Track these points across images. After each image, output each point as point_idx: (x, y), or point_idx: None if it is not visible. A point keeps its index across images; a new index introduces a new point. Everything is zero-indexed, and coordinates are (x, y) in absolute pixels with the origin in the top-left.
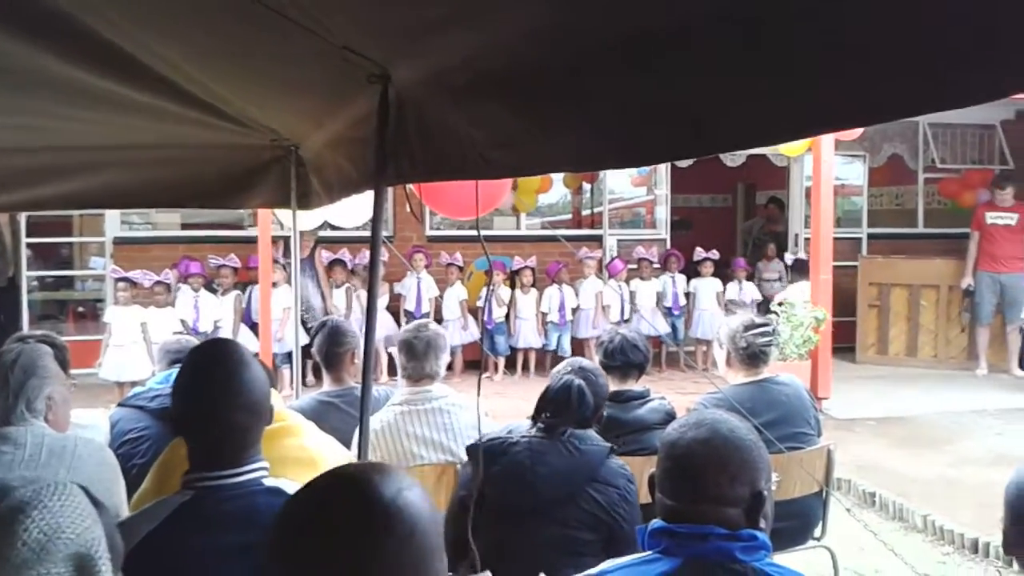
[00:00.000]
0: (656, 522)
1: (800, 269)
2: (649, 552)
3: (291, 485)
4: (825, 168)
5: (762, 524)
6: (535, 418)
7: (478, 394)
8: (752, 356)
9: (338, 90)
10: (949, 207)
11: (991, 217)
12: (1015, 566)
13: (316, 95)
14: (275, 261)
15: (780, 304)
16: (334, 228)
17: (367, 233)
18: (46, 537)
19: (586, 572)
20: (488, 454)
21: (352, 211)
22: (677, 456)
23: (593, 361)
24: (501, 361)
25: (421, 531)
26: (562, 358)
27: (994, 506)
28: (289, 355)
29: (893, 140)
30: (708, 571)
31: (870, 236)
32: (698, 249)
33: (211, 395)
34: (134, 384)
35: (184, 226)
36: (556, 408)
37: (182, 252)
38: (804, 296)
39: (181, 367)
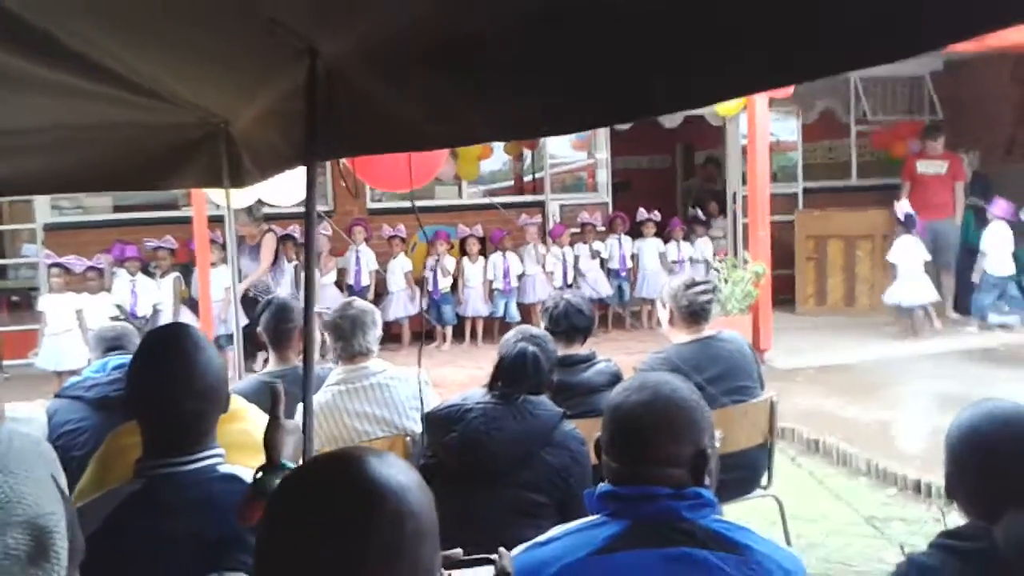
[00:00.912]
0: (603, 486)
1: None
2: (597, 516)
3: (247, 472)
4: (760, 126)
5: (707, 481)
6: (491, 386)
7: (419, 365)
8: (694, 314)
9: (266, 64)
10: (881, 158)
11: (922, 166)
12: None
13: (244, 69)
14: (213, 241)
15: (721, 260)
16: (269, 206)
17: (320, 207)
18: (6, 498)
19: (535, 539)
20: (445, 422)
21: (285, 189)
22: (621, 419)
23: (539, 327)
24: (449, 330)
25: (411, 513)
26: (510, 325)
27: (933, 447)
28: (231, 336)
29: (824, 95)
30: (655, 531)
31: (806, 190)
32: (641, 210)
33: (164, 381)
34: (72, 373)
35: (116, 209)
36: (512, 376)
37: (115, 236)
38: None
39: (135, 352)
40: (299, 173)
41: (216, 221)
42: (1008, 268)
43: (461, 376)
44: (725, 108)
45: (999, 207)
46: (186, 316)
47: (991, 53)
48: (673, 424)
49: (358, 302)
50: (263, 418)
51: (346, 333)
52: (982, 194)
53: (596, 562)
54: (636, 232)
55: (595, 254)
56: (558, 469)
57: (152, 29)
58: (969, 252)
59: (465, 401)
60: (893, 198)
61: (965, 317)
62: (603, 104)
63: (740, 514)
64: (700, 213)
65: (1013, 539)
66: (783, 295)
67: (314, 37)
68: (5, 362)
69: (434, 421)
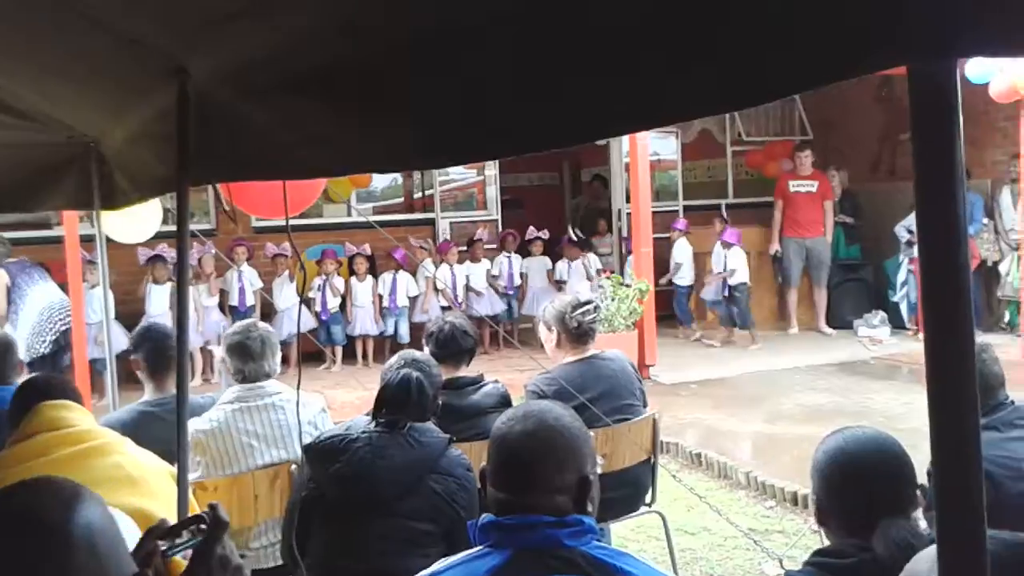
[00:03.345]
0: (485, 516)
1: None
2: (480, 547)
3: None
4: (641, 145)
5: (589, 508)
6: (375, 414)
7: (298, 387)
8: (582, 335)
9: (134, 83)
10: (755, 177)
11: (793, 185)
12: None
13: (111, 88)
14: (90, 262)
15: (608, 277)
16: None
17: (204, 226)
18: None
19: (420, 573)
20: (329, 452)
21: (132, 226)
22: (505, 450)
23: (424, 351)
24: (339, 351)
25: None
26: (401, 345)
27: (809, 458)
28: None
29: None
30: (538, 559)
31: (686, 208)
32: (530, 228)
33: None
34: None
35: None
36: (396, 404)
37: None
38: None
39: None
40: (145, 209)
41: (89, 240)
42: None
43: (351, 397)
44: None
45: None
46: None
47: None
48: (556, 452)
49: (260, 324)
50: (138, 451)
51: (255, 354)
52: (852, 212)
53: None
54: (524, 250)
55: (488, 275)
56: (444, 497)
57: (16, 46)
58: (840, 267)
59: (349, 431)
60: (768, 216)
61: (838, 331)
62: (482, 137)
63: (626, 532)
64: (575, 234)
65: (891, 540)
66: (666, 311)
67: (182, 57)
68: None
69: (317, 452)
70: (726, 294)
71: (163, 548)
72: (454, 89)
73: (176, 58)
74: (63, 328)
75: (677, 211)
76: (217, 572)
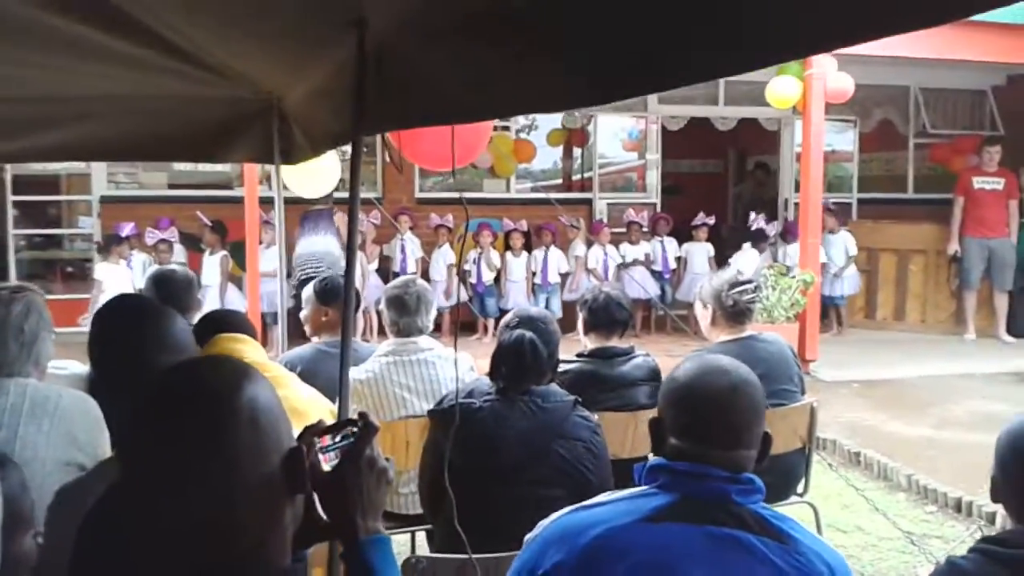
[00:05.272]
0: (655, 459)
1: (759, 238)
2: (645, 487)
3: None
4: (815, 134)
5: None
6: (492, 376)
7: (455, 348)
8: (738, 313)
9: (315, 38)
10: (939, 172)
11: (978, 182)
12: (997, 523)
13: (296, 43)
14: (265, 222)
15: (769, 267)
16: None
17: (369, 194)
18: None
19: (580, 503)
20: (451, 418)
21: (313, 182)
22: (708, 401)
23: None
24: (491, 323)
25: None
26: None
27: (977, 466)
28: (276, 315)
29: (884, 105)
30: (704, 509)
31: (860, 201)
32: (700, 214)
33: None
34: None
35: (171, 186)
36: (511, 368)
37: (169, 212)
38: (755, 265)
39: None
40: (327, 166)
41: (267, 202)
42: None
43: None
44: (779, 101)
45: None
46: (233, 294)
47: None
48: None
49: (419, 281)
50: (302, 387)
51: (410, 308)
52: None
53: (641, 529)
54: (686, 235)
55: (645, 257)
56: (571, 460)
57: (213, 7)
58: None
59: (472, 398)
60: (946, 214)
61: (1019, 339)
62: (643, 71)
63: None
64: (760, 223)
65: None
66: None
67: (363, 6)
68: (56, 329)
69: (441, 416)
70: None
71: (319, 445)
72: (619, 24)
73: (356, 9)
74: (302, 277)
75: (850, 204)
76: (365, 470)
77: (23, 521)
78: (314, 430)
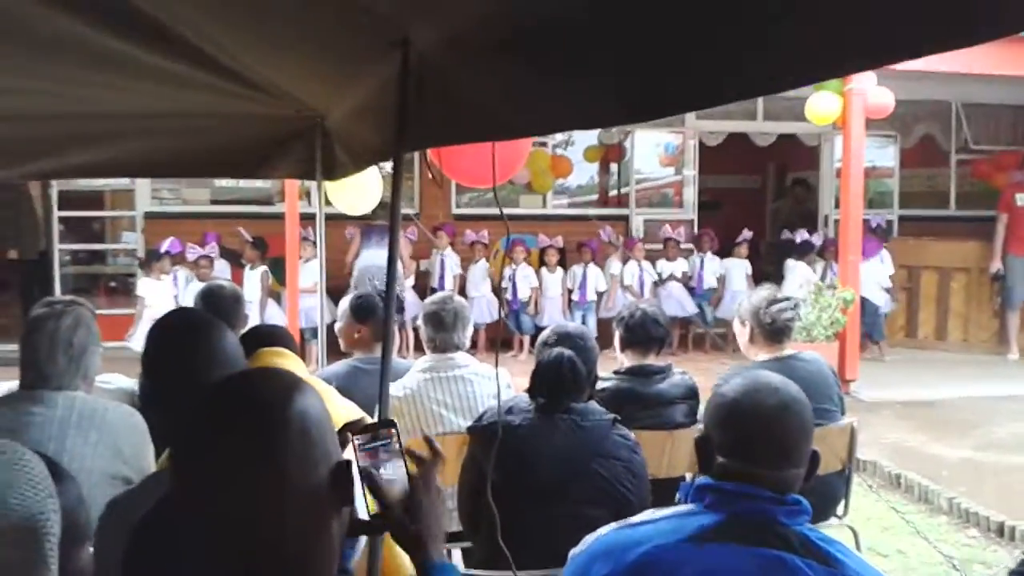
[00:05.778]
0: (702, 478)
1: (806, 249)
2: (692, 505)
3: None
4: (855, 150)
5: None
6: (531, 393)
7: (496, 365)
8: (777, 331)
9: (360, 56)
10: (982, 189)
11: (1021, 199)
12: None
13: (341, 63)
14: (304, 238)
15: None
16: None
17: (406, 211)
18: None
19: (626, 520)
20: (491, 435)
21: (358, 199)
22: (753, 418)
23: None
24: (527, 339)
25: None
26: None
27: (1021, 490)
28: (315, 330)
29: (925, 120)
30: (751, 530)
31: (901, 218)
32: (744, 231)
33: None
34: None
35: (213, 202)
36: (550, 385)
37: (211, 227)
38: (806, 278)
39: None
40: (369, 183)
41: (308, 218)
42: None
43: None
44: (817, 117)
45: None
46: (272, 309)
47: None
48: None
49: (457, 297)
50: (341, 401)
51: (447, 324)
52: None
53: (687, 549)
54: (725, 252)
55: (684, 275)
56: (610, 479)
57: (252, 18)
58: None
59: (511, 416)
60: (990, 231)
61: None
62: (682, 91)
63: None
64: (804, 235)
65: None
66: None
67: (407, 25)
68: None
69: (481, 434)
70: None
71: (357, 442)
72: (659, 43)
73: (401, 28)
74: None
75: (891, 221)
76: (435, 494)
77: (80, 535)
78: (353, 428)
